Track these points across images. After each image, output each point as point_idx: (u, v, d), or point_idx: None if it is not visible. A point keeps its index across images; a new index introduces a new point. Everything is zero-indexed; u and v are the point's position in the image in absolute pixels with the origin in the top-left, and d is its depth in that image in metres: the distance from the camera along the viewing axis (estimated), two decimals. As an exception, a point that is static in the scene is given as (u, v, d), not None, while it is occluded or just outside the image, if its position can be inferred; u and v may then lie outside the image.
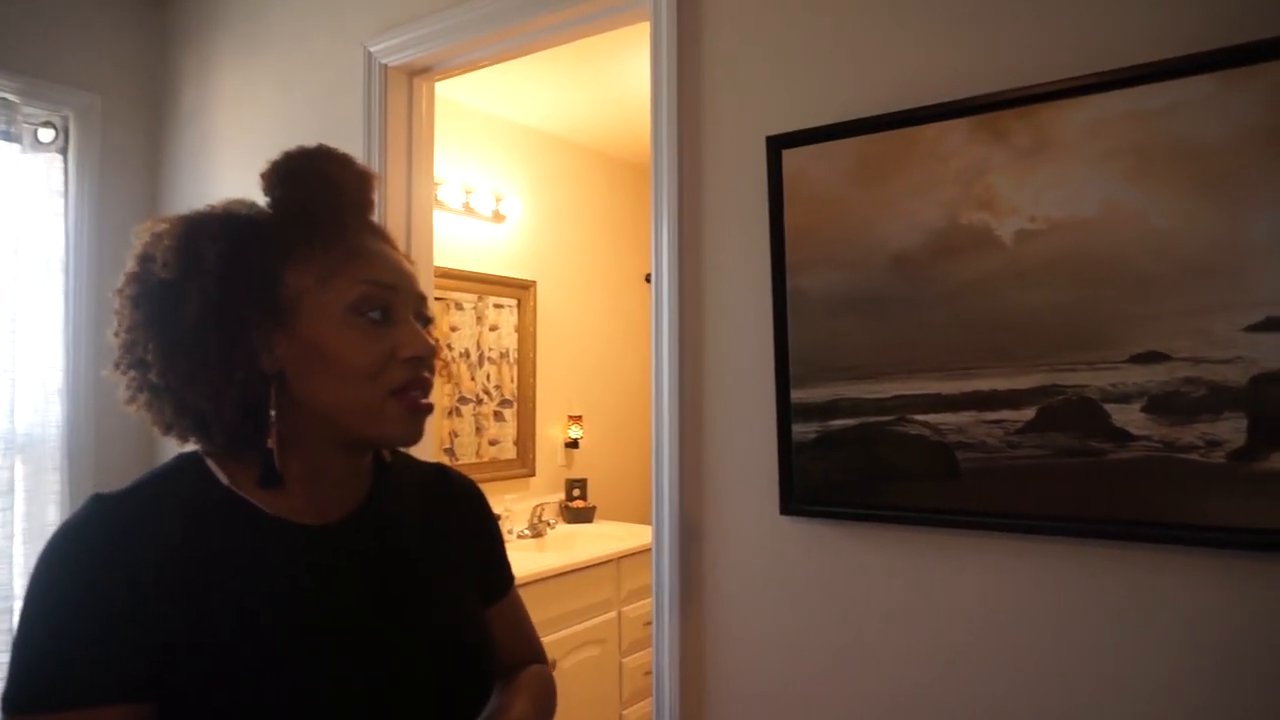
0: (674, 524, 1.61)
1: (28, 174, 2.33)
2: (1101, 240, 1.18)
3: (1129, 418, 1.17)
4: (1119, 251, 1.17)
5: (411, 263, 0.95)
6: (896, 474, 1.36)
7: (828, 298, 1.40)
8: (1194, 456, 1.13)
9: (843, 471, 1.40)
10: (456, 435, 3.66)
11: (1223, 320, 1.11)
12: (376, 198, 0.94)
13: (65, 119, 2.43)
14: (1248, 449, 1.10)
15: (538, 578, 3.03)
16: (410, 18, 2.01)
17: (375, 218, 0.95)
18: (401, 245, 2.06)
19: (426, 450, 3.32)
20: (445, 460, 3.59)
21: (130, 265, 0.85)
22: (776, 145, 1.44)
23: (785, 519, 1.48)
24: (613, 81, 3.35)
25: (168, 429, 0.86)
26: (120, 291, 0.84)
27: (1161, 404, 1.15)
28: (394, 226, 2.08)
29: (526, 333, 3.89)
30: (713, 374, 1.58)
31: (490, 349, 3.79)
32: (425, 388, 0.89)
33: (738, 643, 1.55)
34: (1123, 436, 1.18)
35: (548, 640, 3.03)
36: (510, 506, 3.62)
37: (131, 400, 0.85)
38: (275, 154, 0.91)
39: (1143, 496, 1.17)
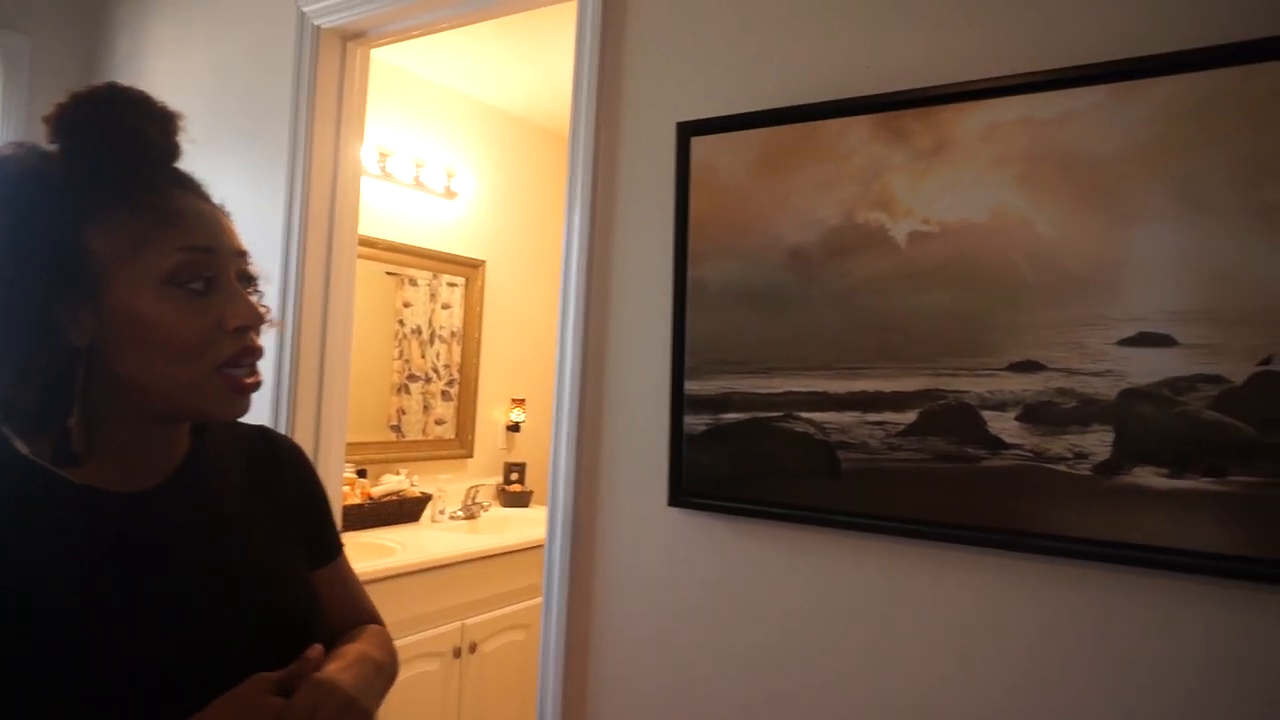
0: (566, 510, 1.59)
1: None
2: (989, 246, 1.18)
3: (1004, 426, 1.17)
4: (1004, 258, 1.17)
5: (226, 214, 0.87)
6: (781, 470, 1.35)
7: (725, 289, 1.39)
8: (1062, 467, 1.13)
9: (730, 465, 1.39)
10: (404, 413, 3.61)
11: (1097, 333, 1.11)
12: (182, 140, 0.85)
13: (-10, 59, 2.37)
14: (1112, 462, 1.10)
15: (465, 559, 3.00)
16: (345, -21, 1.97)
17: (182, 164, 0.86)
18: (324, 213, 2.06)
19: (374, 425, 3.29)
20: (390, 438, 3.55)
21: None
22: (686, 132, 1.42)
23: (673, 510, 1.47)
24: (569, 62, 3.31)
25: None
26: None
27: (1035, 413, 1.15)
28: (317, 195, 2.04)
29: (473, 312, 3.85)
30: (614, 359, 1.57)
31: (442, 327, 3.74)
32: (254, 357, 0.84)
33: (621, 630, 1.54)
34: (997, 444, 1.18)
35: (472, 623, 3.01)
36: (444, 487, 3.59)
37: None
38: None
39: (1010, 504, 1.17)
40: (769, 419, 1.35)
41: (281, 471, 1.00)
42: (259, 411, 2.04)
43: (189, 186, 0.84)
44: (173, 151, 0.84)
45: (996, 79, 1.17)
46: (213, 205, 0.85)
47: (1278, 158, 0.98)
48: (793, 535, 1.37)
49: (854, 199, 1.28)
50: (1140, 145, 1.07)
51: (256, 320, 0.83)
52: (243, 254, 0.85)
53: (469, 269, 3.81)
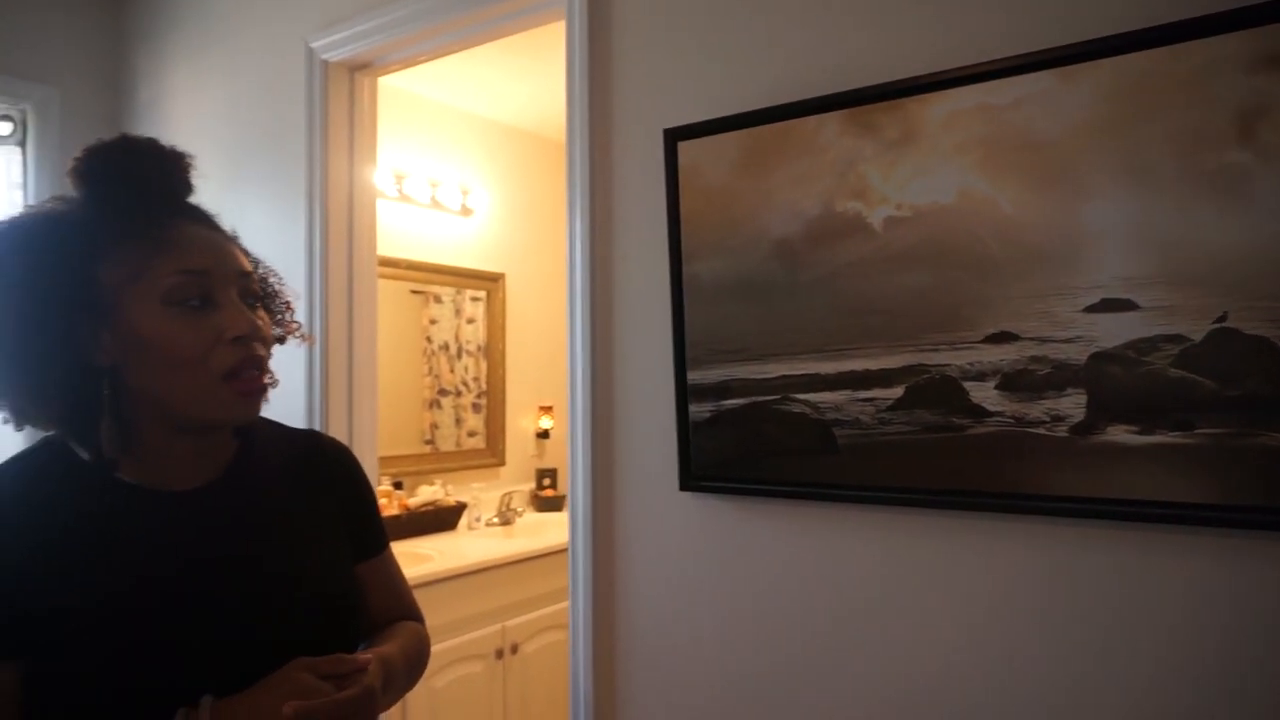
0: (585, 503, 1.68)
1: (-12, 168, 2.42)
2: (958, 227, 1.25)
3: (985, 395, 1.24)
4: (973, 237, 1.24)
5: (233, 239, 0.96)
6: (782, 450, 1.42)
7: (719, 283, 1.47)
8: (1041, 430, 1.20)
9: (735, 448, 1.47)
10: (437, 427, 3.72)
11: (1064, 302, 1.17)
12: (192, 178, 0.95)
13: (23, 112, 2.51)
14: (1087, 423, 1.16)
15: (501, 562, 3.08)
16: (349, 14, 2.08)
17: (194, 199, 0.96)
18: (343, 235, 2.17)
19: (408, 439, 3.42)
20: (425, 451, 3.66)
21: None
22: (673, 137, 1.51)
23: (684, 494, 1.55)
24: (574, 77, 3.41)
25: (19, 427, 0.91)
26: None
27: (1013, 381, 1.22)
28: (335, 218, 2.15)
29: (495, 324, 3.96)
30: (620, 358, 1.65)
31: (468, 342, 3.85)
32: (259, 365, 0.91)
33: (643, 611, 1.62)
34: (980, 412, 1.24)
35: (512, 624, 3.10)
36: (478, 495, 3.69)
37: None
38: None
39: (996, 469, 1.23)
40: (767, 402, 1.43)
41: (328, 471, 1.08)
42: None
43: (195, 217, 0.93)
44: (177, 188, 0.93)
45: (954, 69, 1.24)
46: (217, 232, 0.94)
47: (1211, 129, 1.04)
48: (797, 511, 1.44)
49: (832, 190, 1.35)
50: (1087, 124, 1.13)
51: (253, 331, 0.90)
52: (246, 274, 0.93)
53: (489, 282, 3.91)
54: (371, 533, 1.12)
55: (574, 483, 1.71)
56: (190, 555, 0.89)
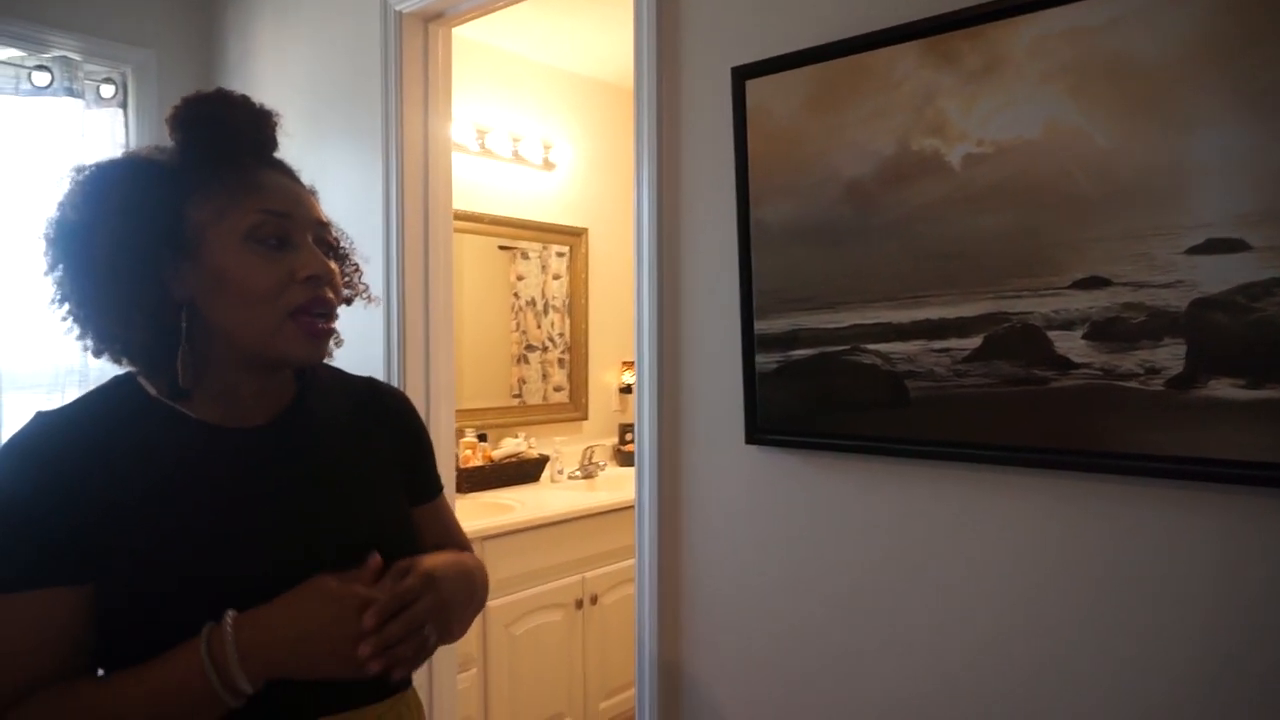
0: (653, 455, 1.66)
1: (92, 128, 2.52)
2: (1045, 163, 1.15)
3: (1071, 345, 1.15)
4: (1061, 174, 1.14)
5: (312, 193, 1.00)
6: (851, 403, 1.36)
7: (786, 228, 1.41)
8: (1133, 384, 1.10)
9: (801, 401, 1.42)
10: (525, 382, 3.78)
11: (1163, 243, 1.07)
12: (278, 134, 0.99)
13: (124, 75, 2.62)
14: (1185, 376, 1.07)
15: (581, 514, 3.12)
16: (423, -35, 2.07)
17: (280, 153, 1.00)
18: (419, 189, 2.18)
19: (497, 392, 3.48)
20: (513, 404, 3.72)
21: (51, 210, 0.92)
22: (741, 76, 1.44)
23: (750, 448, 1.51)
24: (655, 24, 3.32)
25: (98, 353, 0.95)
26: (44, 235, 0.91)
27: (1103, 330, 1.12)
28: (410, 172, 2.17)
29: (578, 279, 3.96)
30: (688, 307, 1.61)
31: (554, 298, 3.88)
32: (326, 308, 0.94)
33: (708, 564, 1.60)
34: (1065, 364, 1.16)
35: (592, 576, 3.14)
36: (561, 449, 3.73)
37: (70, 331, 0.95)
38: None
39: (1082, 424, 1.15)
40: (836, 353, 1.37)
41: (386, 417, 1.11)
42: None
43: (277, 167, 0.98)
44: (266, 142, 0.98)
45: (1045, -12, 1.13)
46: (298, 183, 0.99)
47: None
48: (865, 466, 1.38)
49: (907, 127, 1.26)
50: (1193, 44, 1.02)
51: (325, 273, 0.94)
52: (323, 224, 0.98)
53: (572, 237, 3.91)
54: (426, 478, 1.15)
55: (640, 434, 1.69)
56: (253, 490, 0.92)
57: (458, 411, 3.39)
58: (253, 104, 0.96)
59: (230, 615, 0.83)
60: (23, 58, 2.52)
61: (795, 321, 1.41)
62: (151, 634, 0.83)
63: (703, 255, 1.58)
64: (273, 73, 2.58)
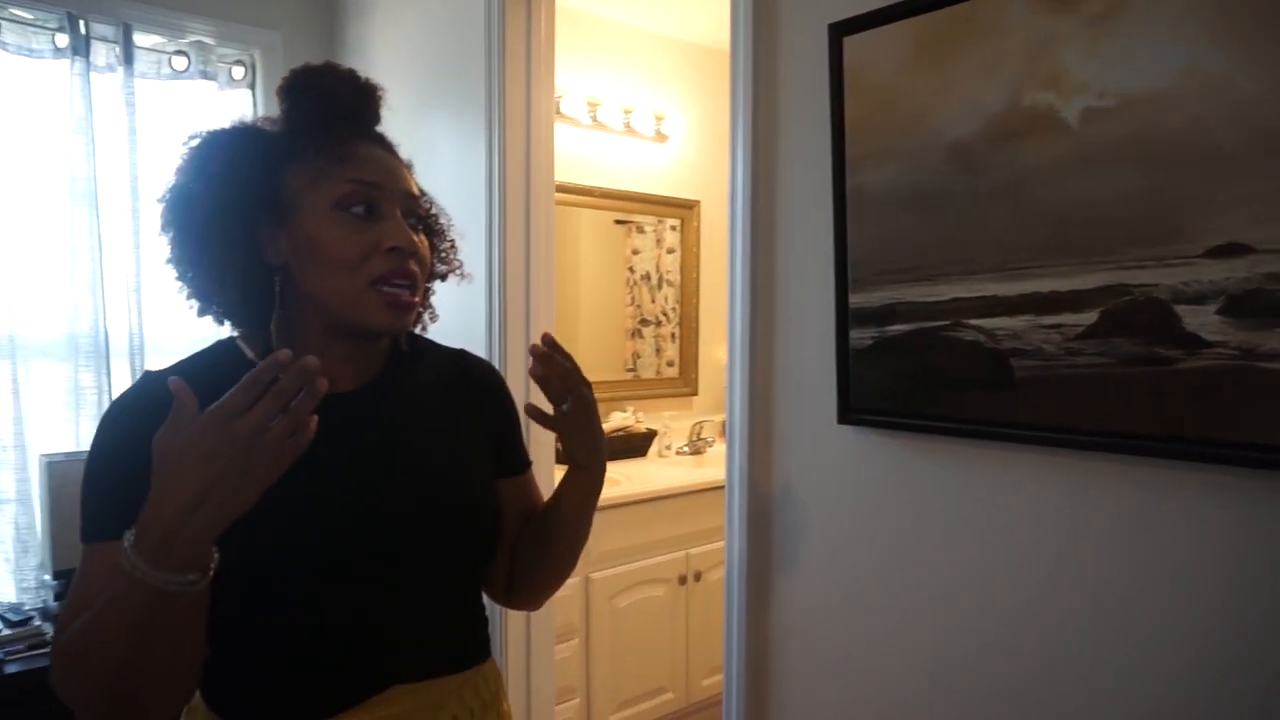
0: (743, 432, 1.61)
1: (224, 110, 2.66)
2: (1178, 114, 1.01)
3: (1203, 321, 1.02)
4: (1198, 126, 1.00)
5: (407, 166, 1.01)
6: (950, 383, 1.27)
7: (885, 194, 1.32)
8: (1276, 365, 0.97)
9: (898, 379, 1.33)
10: (639, 356, 3.80)
11: (1317, 203, 0.93)
12: (380, 108, 1.01)
13: (253, 57, 2.75)
14: (1340, 357, 0.92)
15: (687, 490, 3.10)
16: (525, -65, 2.06)
17: (381, 128, 1.02)
18: (521, 163, 2.18)
19: (612, 366, 3.49)
20: (627, 378, 3.74)
21: (169, 177, 0.96)
22: (838, 32, 1.35)
23: (843, 428, 1.44)
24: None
25: (201, 313, 1.00)
26: (159, 199, 0.97)
27: (1241, 304, 0.99)
28: (513, 146, 2.17)
29: (689, 253, 3.91)
30: (782, 278, 1.54)
31: (668, 271, 3.86)
32: (409, 279, 0.94)
33: (798, 545, 1.54)
34: (1194, 342, 1.03)
35: (696, 552, 3.12)
36: (669, 424, 3.71)
37: (180, 291, 0.99)
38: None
39: (1214, 410, 1.02)
40: (936, 329, 1.27)
41: (475, 389, 1.12)
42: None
43: (374, 139, 0.99)
44: (367, 114, 0.99)
45: (1185, -85, 1.00)
46: (394, 156, 1.00)
47: None
48: (965, 450, 1.28)
49: (1018, 79, 1.15)
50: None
51: (409, 245, 0.93)
52: (414, 197, 0.98)
53: (684, 210, 3.86)
54: (514, 451, 1.15)
55: (731, 411, 1.64)
56: (344, 455, 0.93)
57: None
58: (357, 78, 0.98)
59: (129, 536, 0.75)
60: (164, 44, 2.67)
61: (892, 294, 1.32)
62: (231, 594, 0.84)
63: (797, 224, 1.51)
64: (386, 51, 2.65)
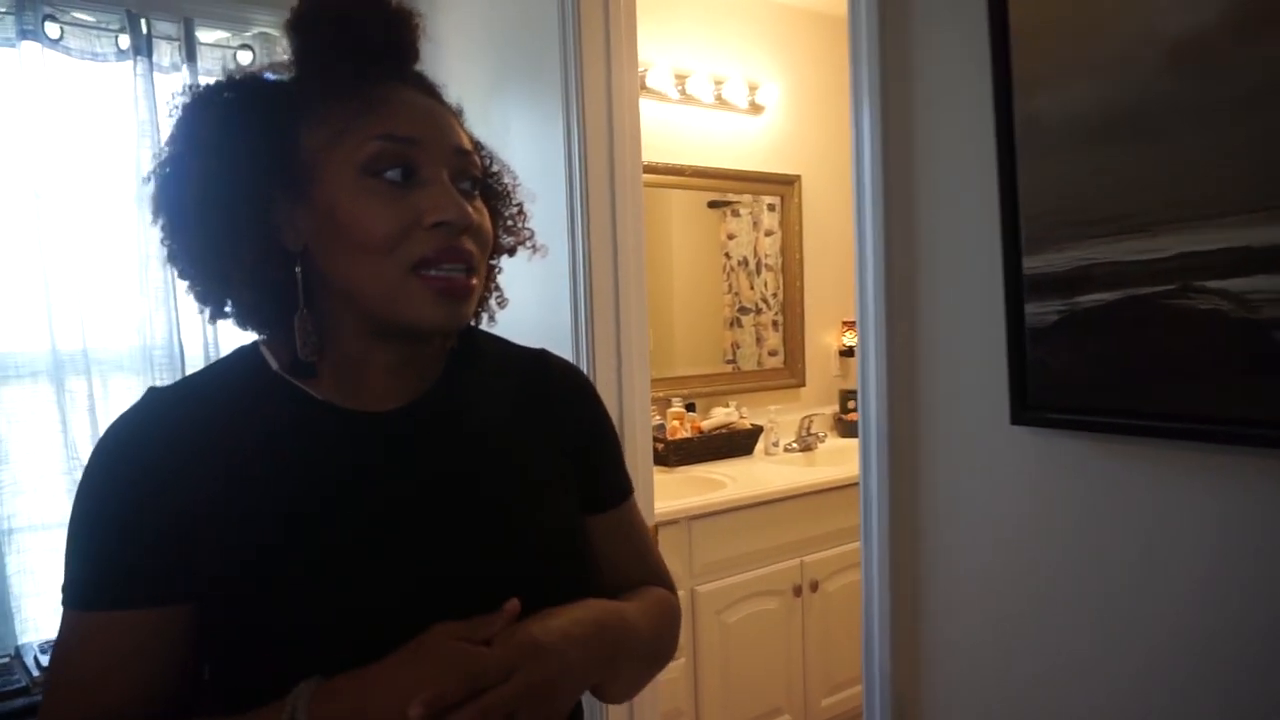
0: (880, 434, 1.32)
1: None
2: None
3: None
4: None
5: (455, 113, 0.80)
6: (1177, 368, 0.94)
7: (1071, 122, 1.00)
8: None
9: (1097, 365, 1.01)
10: (739, 346, 3.55)
11: None
12: (419, 40, 0.79)
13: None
14: None
15: (799, 492, 2.83)
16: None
17: (420, 65, 0.80)
18: (603, 140, 1.93)
19: (710, 358, 3.23)
20: (727, 370, 3.47)
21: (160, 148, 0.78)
22: (998, -86, 1.04)
23: (1018, 430, 1.12)
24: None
25: (213, 318, 0.80)
26: (147, 177, 0.77)
27: None
28: (592, 121, 1.93)
29: (791, 232, 3.62)
30: (926, 245, 1.24)
31: (767, 255, 3.58)
32: (463, 261, 0.73)
33: (955, 574, 1.24)
34: None
35: (811, 560, 2.83)
36: (774, 418, 3.43)
37: (187, 293, 0.80)
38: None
39: None
40: (1153, 295, 0.95)
41: (555, 400, 0.90)
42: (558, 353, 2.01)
43: (411, 80, 0.78)
44: (403, 49, 0.78)
45: None
46: (436, 101, 0.79)
47: None
48: (1201, 459, 0.95)
49: (1280, -60, 0.82)
50: None
51: (460, 217, 0.72)
52: (464, 152, 0.77)
53: (783, 186, 3.56)
54: (606, 479, 0.92)
55: (865, 410, 1.35)
56: (379, 493, 0.75)
57: (664, 380, 3.22)
58: (385, 1, 0.76)
59: (308, 687, 0.65)
60: (228, 39, 2.56)
61: (1086, 253, 1.00)
62: (249, 665, 0.70)
63: (943, 174, 1.20)
64: (456, 29, 2.44)
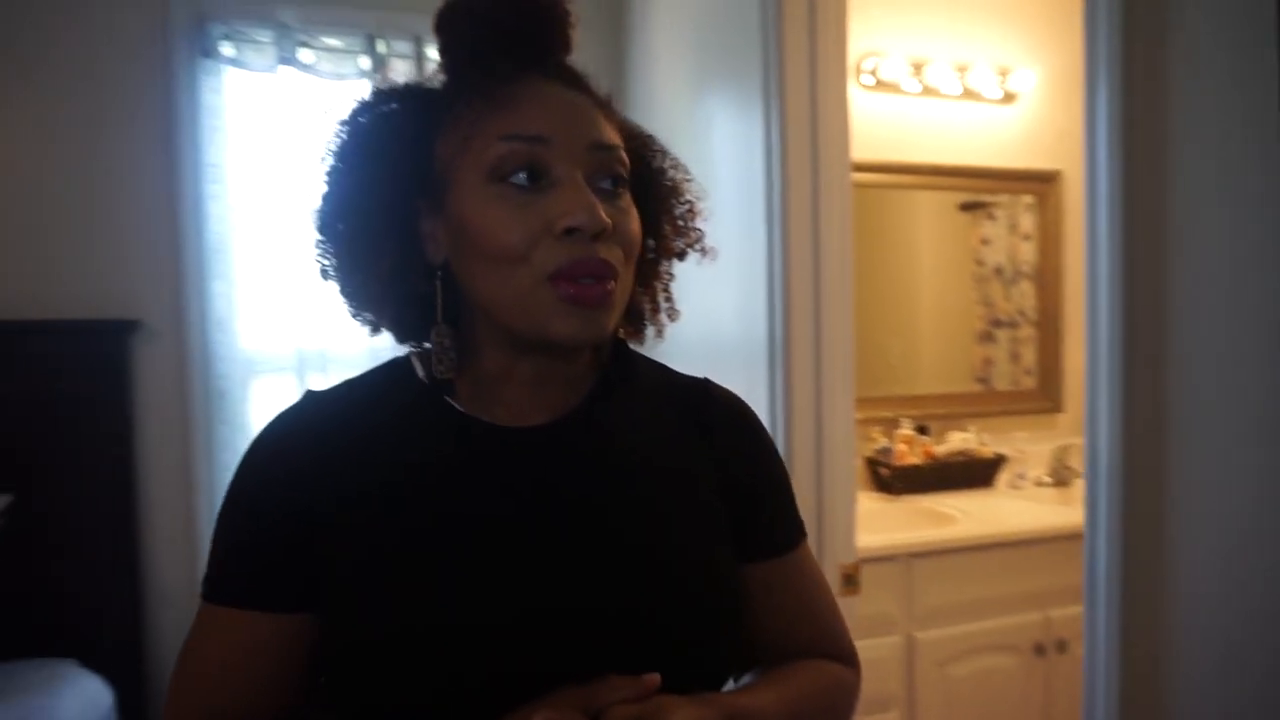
0: (1113, 465, 1.06)
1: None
2: None
3: None
4: None
5: (603, 104, 0.74)
6: None
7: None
8: None
9: None
10: (992, 364, 3.23)
11: None
12: (569, 29, 0.74)
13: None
14: None
15: (1047, 535, 2.48)
16: None
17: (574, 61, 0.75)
18: (805, 133, 1.78)
19: (957, 377, 2.90)
20: (977, 390, 3.18)
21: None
22: None
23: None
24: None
25: (373, 332, 0.80)
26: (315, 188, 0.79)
27: None
28: (794, 117, 1.78)
29: (1049, 235, 3.21)
30: (1179, 239, 0.97)
31: (1024, 263, 3.22)
32: (599, 272, 0.68)
33: (1203, 634, 0.95)
34: None
35: (1059, 615, 2.47)
36: (1023, 447, 3.04)
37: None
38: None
39: None
40: None
41: (716, 432, 0.82)
42: (747, 372, 1.87)
43: (551, 72, 0.73)
44: (550, 42, 0.73)
45: None
46: (577, 92, 0.73)
47: None
48: None
49: None
50: None
51: (593, 221, 0.66)
52: (605, 148, 0.71)
53: (1041, 184, 3.16)
54: (770, 523, 0.83)
55: (1094, 438, 1.10)
56: (520, 504, 0.72)
57: (892, 398, 2.95)
58: None
59: None
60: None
61: None
62: (360, 675, 0.67)
63: (1211, 155, 0.93)
64: (667, 25, 2.40)
